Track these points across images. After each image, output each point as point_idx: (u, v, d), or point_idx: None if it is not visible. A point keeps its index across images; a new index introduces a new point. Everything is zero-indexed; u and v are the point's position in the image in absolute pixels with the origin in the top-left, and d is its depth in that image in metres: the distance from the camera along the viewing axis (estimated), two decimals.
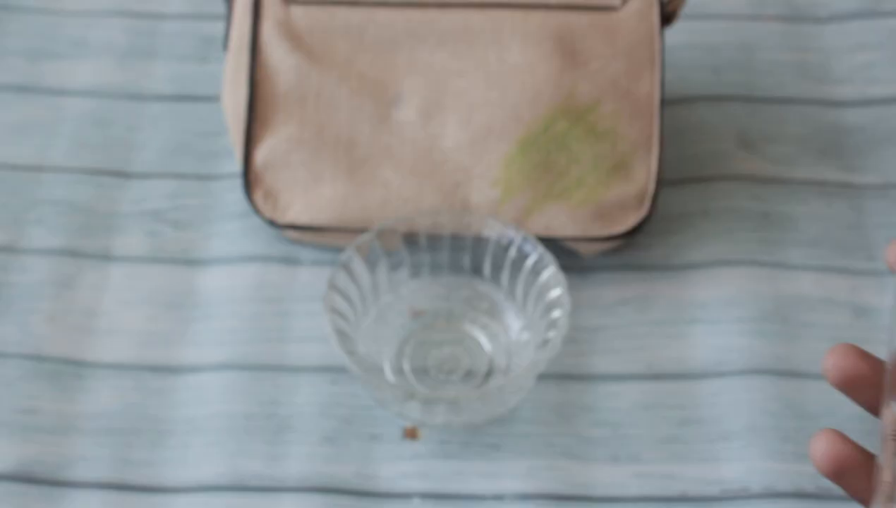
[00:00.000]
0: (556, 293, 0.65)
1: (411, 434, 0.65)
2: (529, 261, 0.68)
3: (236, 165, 0.77)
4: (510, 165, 0.70)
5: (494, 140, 0.71)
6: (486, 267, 0.70)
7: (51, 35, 0.87)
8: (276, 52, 0.72)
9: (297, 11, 0.72)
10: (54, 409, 0.66)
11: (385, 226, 0.69)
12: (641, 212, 0.71)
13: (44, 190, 0.77)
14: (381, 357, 0.68)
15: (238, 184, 0.76)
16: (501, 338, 0.69)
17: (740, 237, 0.74)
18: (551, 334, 0.63)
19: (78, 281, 0.72)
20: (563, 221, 0.70)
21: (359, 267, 0.68)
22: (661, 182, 0.75)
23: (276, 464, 0.64)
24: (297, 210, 0.71)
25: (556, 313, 0.64)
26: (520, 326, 0.68)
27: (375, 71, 0.72)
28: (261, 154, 0.72)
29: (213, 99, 0.80)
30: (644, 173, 0.71)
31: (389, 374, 0.67)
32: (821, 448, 0.40)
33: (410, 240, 0.70)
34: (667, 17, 0.73)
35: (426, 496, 0.63)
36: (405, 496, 0.63)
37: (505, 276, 0.69)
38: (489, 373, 0.67)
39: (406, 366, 0.68)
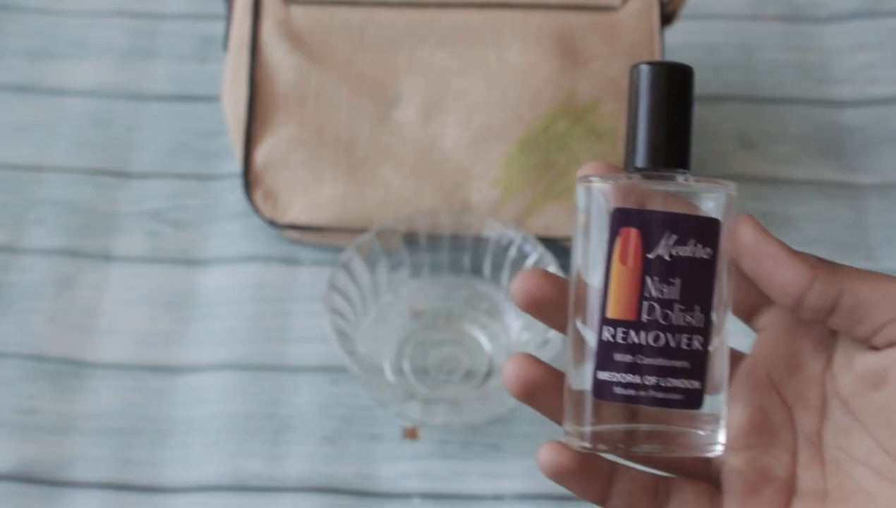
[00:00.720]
0: None
1: (411, 434, 0.65)
2: (529, 261, 0.68)
3: (236, 165, 0.77)
4: (510, 165, 0.70)
5: (494, 140, 0.71)
6: (486, 267, 0.70)
7: (51, 35, 0.87)
8: (276, 52, 0.72)
9: (297, 11, 0.72)
10: (54, 409, 0.66)
11: (385, 226, 0.69)
12: None
13: (44, 190, 0.77)
14: (381, 357, 0.68)
15: (238, 184, 0.76)
16: (501, 338, 0.69)
17: None
18: (551, 334, 0.63)
19: (78, 281, 0.72)
20: (563, 221, 0.70)
21: (359, 267, 0.68)
22: None
23: (276, 464, 0.64)
24: (297, 210, 0.71)
25: None
26: (520, 326, 0.68)
27: (375, 71, 0.72)
28: (261, 154, 0.72)
29: (213, 99, 0.80)
30: None
31: (389, 374, 0.67)
32: (511, 371, 0.41)
33: (410, 240, 0.69)
34: (667, 17, 0.73)
35: (426, 496, 0.63)
36: (405, 496, 0.63)
37: (505, 276, 0.69)
38: (489, 373, 0.67)
39: (406, 366, 0.68)
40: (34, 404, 0.66)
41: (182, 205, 0.76)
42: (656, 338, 0.39)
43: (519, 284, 0.41)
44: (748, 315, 0.42)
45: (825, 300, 0.38)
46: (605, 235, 0.39)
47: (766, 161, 0.78)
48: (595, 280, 0.39)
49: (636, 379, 0.39)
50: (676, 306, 0.39)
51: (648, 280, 0.39)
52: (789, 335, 0.41)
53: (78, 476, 0.64)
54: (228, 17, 0.74)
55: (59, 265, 0.73)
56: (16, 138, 0.80)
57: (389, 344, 0.69)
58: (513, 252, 0.68)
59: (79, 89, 0.83)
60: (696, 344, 0.39)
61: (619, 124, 0.71)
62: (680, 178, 0.40)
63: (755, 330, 0.43)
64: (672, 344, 0.39)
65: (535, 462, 0.65)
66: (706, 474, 0.42)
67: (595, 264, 0.39)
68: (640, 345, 0.39)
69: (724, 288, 0.40)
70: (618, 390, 0.39)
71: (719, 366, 0.40)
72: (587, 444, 0.39)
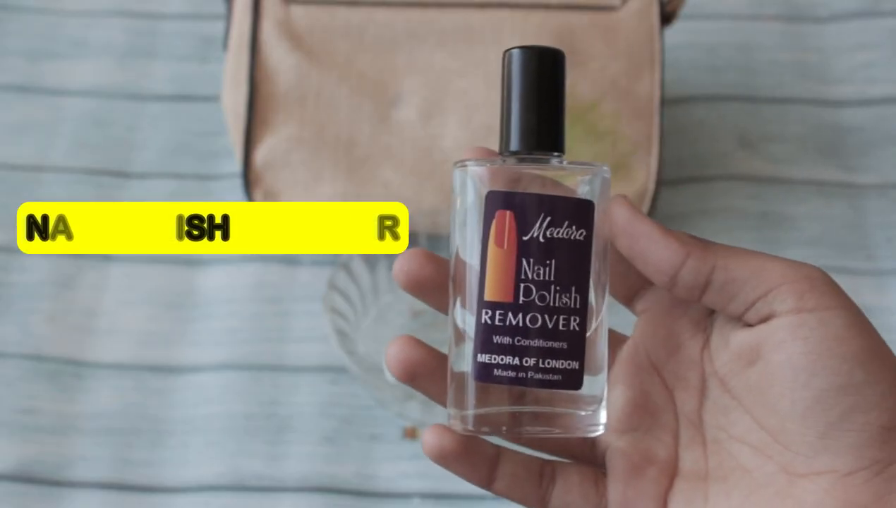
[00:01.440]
0: None
1: (411, 434, 0.65)
2: None
3: (236, 165, 0.77)
4: None
5: (494, 140, 0.71)
6: None
7: (51, 35, 0.87)
8: (276, 51, 0.72)
9: (297, 11, 0.72)
10: (54, 409, 0.66)
11: None
12: None
13: (44, 190, 0.77)
14: (381, 357, 0.68)
15: (238, 184, 0.76)
16: None
17: (740, 237, 0.74)
18: None
19: (78, 281, 0.72)
20: None
21: (359, 267, 0.68)
22: (661, 182, 0.75)
23: (276, 464, 0.64)
24: None
25: None
26: None
27: (375, 71, 0.72)
28: (261, 154, 0.72)
29: (213, 99, 0.80)
30: (644, 173, 0.71)
31: (389, 374, 0.67)
32: (393, 352, 0.41)
33: (411, 239, 0.69)
34: (666, 17, 0.73)
35: (426, 496, 0.63)
36: (405, 495, 0.63)
37: None
38: None
39: None
40: (34, 404, 0.66)
41: None
42: (534, 320, 0.39)
43: (401, 264, 0.41)
44: (628, 298, 0.43)
45: (698, 276, 0.39)
46: (481, 219, 0.39)
47: (766, 161, 0.78)
48: (473, 263, 0.40)
49: (515, 361, 0.39)
50: (553, 287, 0.39)
51: (524, 262, 0.39)
52: (667, 317, 0.42)
53: (78, 476, 0.64)
54: (228, 17, 0.74)
55: (59, 265, 0.73)
56: (16, 138, 0.80)
57: None
58: None
59: (79, 89, 0.83)
60: (574, 324, 0.39)
61: (619, 124, 0.71)
62: (554, 161, 0.41)
63: (635, 313, 0.43)
64: (550, 325, 0.39)
65: None
66: (591, 457, 0.43)
67: (472, 248, 0.40)
68: (518, 327, 0.39)
69: (600, 269, 0.40)
70: (498, 372, 0.39)
71: (598, 347, 0.41)
72: (470, 427, 0.40)
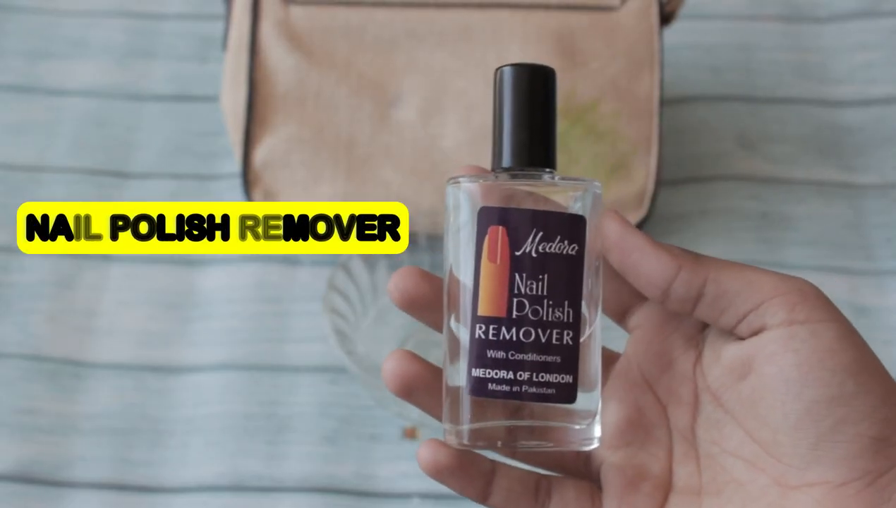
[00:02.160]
0: None
1: (411, 434, 0.65)
2: None
3: (236, 165, 0.77)
4: None
5: None
6: None
7: (50, 35, 0.87)
8: (276, 52, 0.72)
9: (297, 11, 0.72)
10: (54, 409, 0.66)
11: None
12: (641, 212, 0.71)
13: (44, 190, 0.77)
14: (381, 357, 0.68)
15: (238, 184, 0.76)
16: None
17: (739, 237, 0.74)
18: None
19: (78, 281, 0.72)
20: None
21: (358, 267, 0.68)
22: (661, 182, 0.75)
23: (276, 464, 0.64)
24: None
25: None
26: None
27: (375, 71, 0.72)
28: (260, 154, 0.72)
29: (213, 99, 0.80)
30: (643, 173, 0.71)
31: None
32: (389, 367, 0.41)
33: (410, 239, 0.69)
34: (666, 17, 0.73)
35: (426, 496, 0.63)
36: (405, 496, 0.63)
37: None
38: None
39: None
40: (34, 404, 0.66)
41: None
42: (527, 334, 0.39)
43: (395, 282, 0.42)
44: (620, 315, 0.43)
45: (690, 289, 0.39)
46: (474, 234, 0.40)
47: (766, 161, 0.78)
48: (466, 279, 0.40)
49: (509, 375, 0.39)
50: (546, 302, 0.40)
51: (517, 277, 0.40)
52: (660, 333, 0.42)
53: (77, 477, 0.64)
54: (228, 17, 0.74)
55: (59, 265, 0.73)
56: (16, 138, 0.80)
57: (389, 344, 0.68)
58: None
59: (78, 89, 0.83)
60: (567, 338, 0.40)
61: (619, 124, 0.71)
62: (546, 177, 0.41)
63: (627, 330, 0.43)
64: (543, 339, 0.39)
65: None
66: (587, 472, 0.43)
67: (465, 263, 0.40)
68: (511, 342, 0.39)
69: (592, 284, 0.41)
70: (492, 386, 0.39)
71: (592, 361, 0.41)
72: (465, 442, 0.40)
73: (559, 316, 0.40)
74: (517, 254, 0.40)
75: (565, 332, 0.40)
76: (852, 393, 0.37)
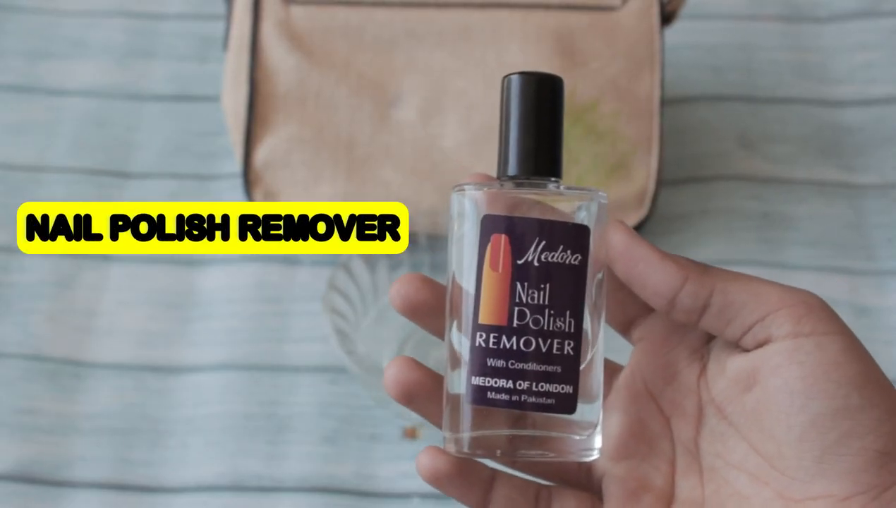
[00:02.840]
0: None
1: (411, 434, 0.65)
2: None
3: (236, 165, 0.77)
4: None
5: (494, 140, 0.71)
6: None
7: (50, 35, 0.87)
8: (276, 51, 0.72)
9: (297, 11, 0.72)
10: (54, 409, 0.66)
11: None
12: (641, 212, 0.71)
13: (44, 190, 0.77)
14: (381, 357, 0.68)
15: (238, 184, 0.76)
16: None
17: (740, 237, 0.74)
18: None
19: (78, 281, 0.72)
20: None
21: (359, 267, 0.68)
22: (661, 182, 0.75)
23: (276, 464, 0.64)
24: None
25: None
26: None
27: (375, 71, 0.72)
28: (261, 154, 0.72)
29: (213, 99, 0.80)
30: (644, 173, 0.71)
31: None
32: (391, 374, 0.41)
33: (410, 239, 0.69)
34: (666, 17, 0.73)
35: (426, 496, 0.63)
36: (405, 496, 0.63)
37: None
38: None
39: None
40: (34, 404, 0.66)
41: None
42: (528, 343, 0.39)
43: (397, 289, 0.42)
44: (625, 327, 0.43)
45: (696, 300, 0.39)
46: (477, 242, 0.40)
47: (766, 161, 0.78)
48: (468, 286, 0.40)
49: (509, 384, 0.39)
50: (547, 311, 0.39)
51: (519, 286, 0.39)
52: (664, 345, 0.42)
53: (77, 477, 0.64)
54: (228, 17, 0.74)
55: (59, 265, 0.73)
56: (16, 138, 0.80)
57: (389, 344, 0.68)
58: None
59: (78, 89, 0.83)
60: (568, 349, 0.40)
61: (619, 124, 0.71)
62: (551, 186, 0.41)
63: (632, 342, 0.43)
64: (544, 349, 0.39)
65: None
66: (588, 483, 0.43)
67: (468, 271, 0.40)
68: (512, 350, 0.39)
69: (595, 295, 0.40)
70: (492, 395, 0.39)
71: (593, 371, 0.41)
72: (465, 450, 0.40)
73: (560, 326, 0.39)
74: (519, 262, 0.39)
75: (566, 342, 0.40)
76: (857, 406, 0.37)
